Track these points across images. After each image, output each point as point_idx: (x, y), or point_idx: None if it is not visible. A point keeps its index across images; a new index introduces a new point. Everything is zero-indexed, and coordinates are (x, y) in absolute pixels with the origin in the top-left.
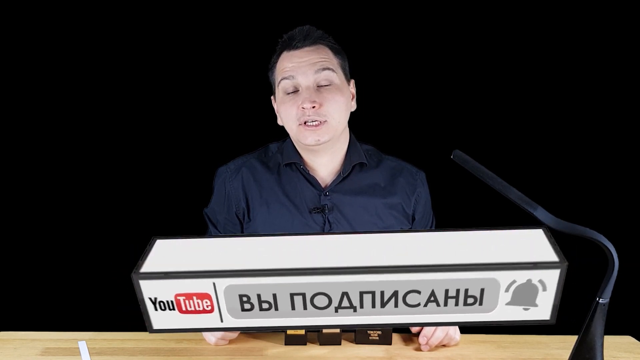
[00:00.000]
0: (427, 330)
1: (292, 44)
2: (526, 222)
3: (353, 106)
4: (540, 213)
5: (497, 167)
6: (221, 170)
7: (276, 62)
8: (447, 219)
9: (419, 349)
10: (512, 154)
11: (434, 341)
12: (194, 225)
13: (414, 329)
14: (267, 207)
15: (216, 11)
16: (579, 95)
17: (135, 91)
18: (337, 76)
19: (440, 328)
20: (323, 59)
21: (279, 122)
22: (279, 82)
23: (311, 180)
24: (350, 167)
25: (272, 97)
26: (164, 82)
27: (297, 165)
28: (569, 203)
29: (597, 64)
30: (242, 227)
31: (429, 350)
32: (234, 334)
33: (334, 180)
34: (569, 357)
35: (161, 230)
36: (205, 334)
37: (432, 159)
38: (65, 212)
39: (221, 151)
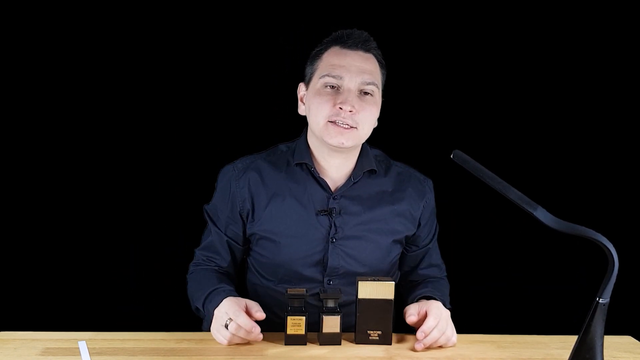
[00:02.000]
0: (425, 326)
1: (347, 43)
2: (526, 222)
3: (375, 123)
4: (540, 213)
5: (497, 167)
6: (227, 168)
7: (323, 53)
8: (447, 219)
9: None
10: (512, 154)
11: (429, 341)
12: (196, 226)
13: (411, 319)
14: (273, 206)
15: (225, 11)
16: (579, 96)
17: (140, 90)
18: (377, 92)
19: (438, 328)
20: (372, 72)
21: (301, 112)
22: (323, 76)
23: (321, 182)
24: (362, 173)
25: (301, 84)
26: (169, 81)
27: (307, 166)
28: (569, 203)
29: (597, 64)
30: (244, 226)
31: (425, 350)
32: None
33: (344, 185)
34: (569, 357)
35: (162, 230)
36: (216, 334)
37: (431, 158)
38: (65, 212)
39: (224, 150)
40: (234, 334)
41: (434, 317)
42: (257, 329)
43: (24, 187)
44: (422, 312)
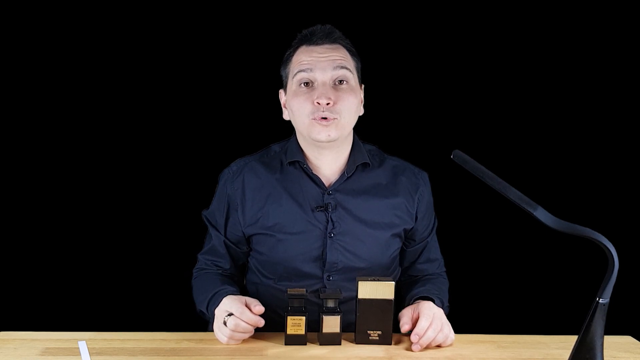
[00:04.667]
0: (418, 328)
1: (312, 40)
2: (526, 222)
3: (361, 110)
4: (540, 213)
5: (497, 167)
6: (223, 172)
7: (292, 55)
8: (447, 219)
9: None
10: (512, 154)
11: (425, 341)
12: (196, 226)
13: (405, 328)
14: (270, 206)
15: (220, 13)
16: (579, 95)
17: (137, 93)
18: (352, 77)
19: (432, 328)
20: (341, 58)
21: (285, 117)
22: (295, 75)
23: (314, 179)
24: (354, 167)
25: (280, 91)
26: (166, 85)
27: (300, 164)
28: (569, 203)
29: (597, 64)
30: (242, 227)
31: (424, 350)
32: (248, 333)
33: (337, 180)
34: (569, 357)
35: (162, 230)
36: (217, 332)
37: (432, 158)
38: (65, 212)
39: (222, 153)
40: (233, 330)
41: (426, 317)
42: (262, 322)
43: (24, 187)
44: (415, 316)
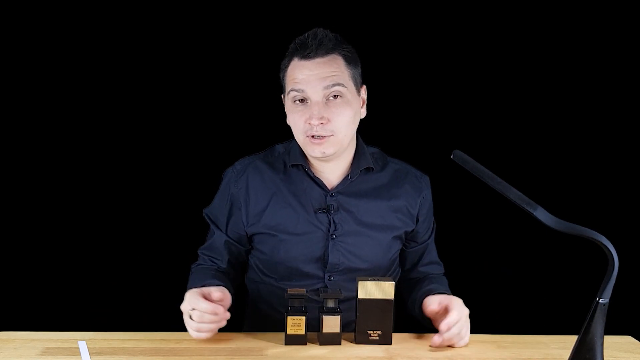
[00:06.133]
0: (450, 319)
1: (305, 53)
2: (526, 222)
3: (363, 113)
4: (540, 213)
5: (497, 167)
6: (227, 171)
7: (287, 66)
8: (447, 219)
9: (417, 349)
10: (512, 154)
11: (449, 335)
12: (195, 226)
13: (431, 309)
14: (273, 206)
15: (223, 14)
16: (579, 96)
17: (142, 94)
18: (347, 90)
19: (458, 325)
20: (334, 73)
21: (289, 121)
22: (289, 91)
23: (317, 181)
24: (358, 171)
25: (282, 95)
26: (170, 85)
27: (302, 167)
28: (569, 203)
29: (597, 64)
30: (245, 226)
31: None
32: (213, 323)
33: (340, 183)
34: (569, 357)
35: (162, 230)
36: (189, 330)
37: (432, 159)
38: (65, 212)
39: (225, 152)
40: (200, 322)
41: (458, 312)
42: (220, 308)
43: (24, 188)
44: (443, 306)
